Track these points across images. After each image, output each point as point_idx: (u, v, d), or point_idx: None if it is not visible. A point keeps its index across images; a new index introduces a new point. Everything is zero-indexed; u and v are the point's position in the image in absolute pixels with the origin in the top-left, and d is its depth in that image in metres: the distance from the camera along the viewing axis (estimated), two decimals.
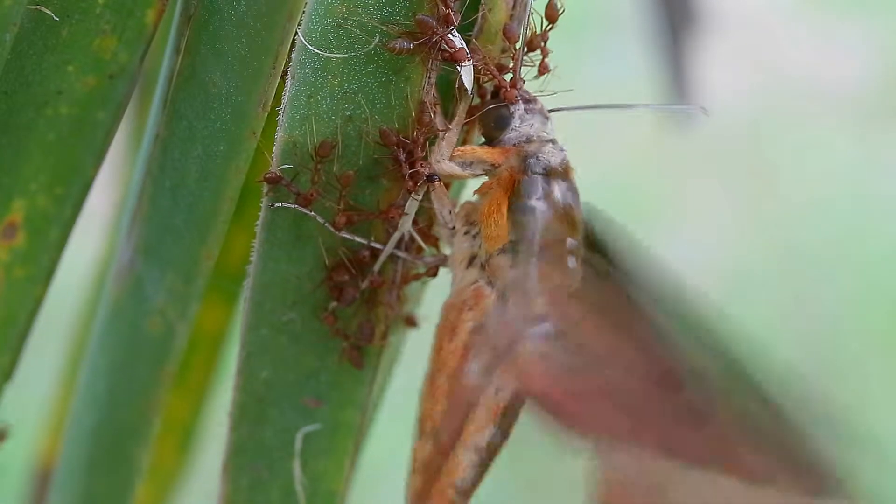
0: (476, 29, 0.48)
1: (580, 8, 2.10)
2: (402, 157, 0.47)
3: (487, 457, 0.50)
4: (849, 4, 2.35)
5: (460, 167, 0.49)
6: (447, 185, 0.50)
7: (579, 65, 2.05)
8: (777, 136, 2.15)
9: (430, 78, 0.47)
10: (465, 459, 0.50)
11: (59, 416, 0.72)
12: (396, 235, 0.49)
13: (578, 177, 0.50)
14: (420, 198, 0.48)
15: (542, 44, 0.49)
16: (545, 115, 0.50)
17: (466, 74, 0.47)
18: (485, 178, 0.50)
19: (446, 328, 0.50)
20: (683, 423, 0.48)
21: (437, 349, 0.50)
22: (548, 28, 0.49)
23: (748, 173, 2.11)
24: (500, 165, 0.49)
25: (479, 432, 0.50)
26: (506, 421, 0.50)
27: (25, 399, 0.73)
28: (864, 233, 2.02)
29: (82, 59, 0.47)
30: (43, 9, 0.46)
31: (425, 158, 0.48)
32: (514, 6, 0.48)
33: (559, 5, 0.49)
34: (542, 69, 0.49)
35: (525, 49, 0.49)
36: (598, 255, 0.50)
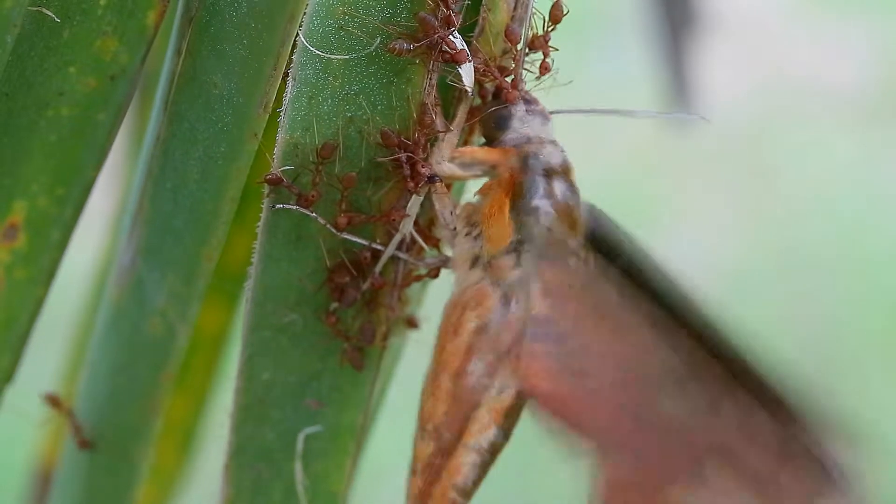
0: (477, 30, 0.48)
1: (581, 7, 2.09)
2: (404, 158, 0.47)
3: (489, 457, 0.50)
4: (849, 5, 2.35)
5: (461, 168, 0.49)
6: (448, 187, 0.50)
7: (580, 64, 2.05)
8: (777, 136, 2.14)
9: (430, 79, 0.47)
10: (466, 460, 0.50)
11: (61, 417, 0.72)
12: (398, 237, 0.49)
13: (579, 177, 0.50)
14: (421, 199, 0.48)
15: (545, 44, 0.49)
16: (546, 117, 0.50)
17: (467, 75, 0.47)
18: (486, 179, 0.50)
19: (449, 327, 0.50)
20: (685, 421, 0.48)
21: (440, 348, 0.50)
22: (549, 29, 0.49)
23: (748, 173, 2.11)
24: (500, 166, 0.49)
25: (481, 433, 0.50)
26: (508, 422, 0.50)
27: (26, 400, 0.73)
28: (865, 233, 2.02)
29: (83, 61, 0.47)
30: (44, 10, 0.46)
31: (426, 160, 0.48)
32: (515, 7, 0.48)
33: (564, 7, 0.49)
34: (543, 69, 0.49)
35: (526, 50, 0.49)
36: (597, 254, 0.51)
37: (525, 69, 0.49)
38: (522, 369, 0.49)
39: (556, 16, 0.49)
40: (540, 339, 0.50)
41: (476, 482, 0.50)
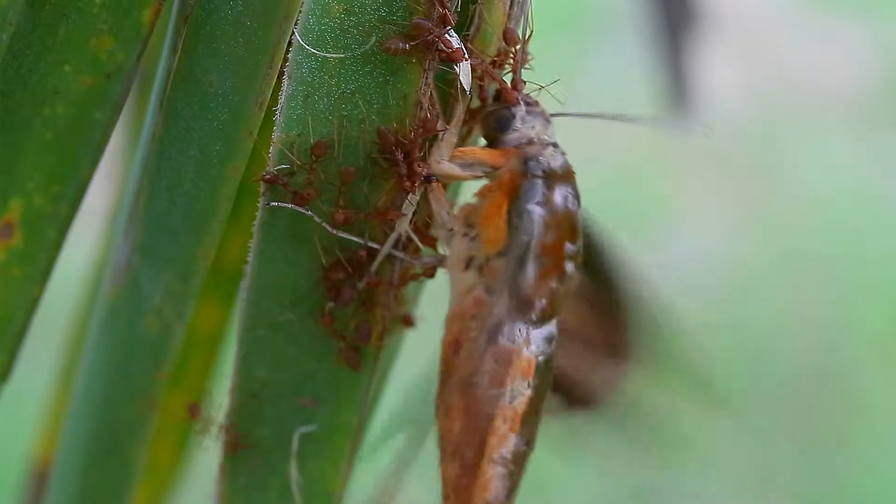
0: (473, 29, 0.48)
1: (581, 7, 2.10)
2: (400, 157, 0.47)
3: (516, 468, 0.50)
4: (849, 5, 2.35)
5: (460, 168, 0.49)
6: (445, 186, 0.50)
7: (579, 64, 2.05)
8: (777, 136, 2.15)
9: (427, 78, 0.47)
10: (493, 474, 0.49)
11: (56, 415, 0.72)
12: (394, 235, 0.49)
13: (578, 177, 0.50)
14: (418, 198, 0.48)
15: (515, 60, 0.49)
16: (547, 119, 0.49)
17: (464, 74, 0.47)
18: (484, 181, 0.49)
19: (450, 341, 0.49)
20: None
21: (444, 365, 0.49)
22: (528, 36, 0.49)
23: (748, 173, 2.11)
24: (500, 167, 0.49)
25: (501, 444, 0.49)
26: (526, 428, 0.49)
27: (22, 399, 0.73)
28: (865, 233, 2.02)
29: (79, 59, 0.47)
30: None
31: (423, 159, 0.48)
32: (510, 6, 0.48)
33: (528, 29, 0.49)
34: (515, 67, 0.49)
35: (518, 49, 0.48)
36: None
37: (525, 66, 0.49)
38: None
39: (511, 39, 0.48)
40: (541, 342, 0.50)
41: (509, 495, 0.50)
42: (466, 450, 0.49)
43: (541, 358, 0.50)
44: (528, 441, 0.50)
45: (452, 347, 0.49)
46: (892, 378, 1.82)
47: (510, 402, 0.49)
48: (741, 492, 1.69)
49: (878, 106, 2.19)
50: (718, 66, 1.46)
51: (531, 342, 0.49)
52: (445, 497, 0.50)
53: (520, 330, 0.49)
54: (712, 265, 1.94)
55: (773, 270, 1.97)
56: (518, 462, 0.50)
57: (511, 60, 0.49)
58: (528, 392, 0.49)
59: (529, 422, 0.50)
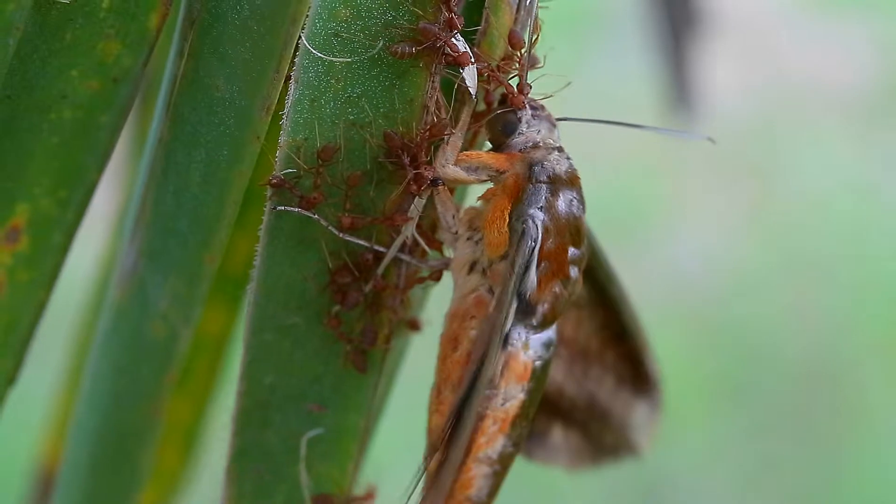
0: (479, 33, 0.48)
1: (581, 8, 2.10)
2: (406, 160, 0.47)
3: (501, 468, 0.50)
4: (849, 5, 2.35)
5: (465, 172, 0.49)
6: (452, 190, 0.50)
7: (581, 64, 2.05)
8: (778, 136, 2.15)
9: (433, 82, 0.47)
10: (477, 472, 0.49)
11: (63, 419, 0.72)
12: (400, 239, 0.49)
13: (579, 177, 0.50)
14: (424, 201, 0.48)
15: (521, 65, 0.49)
16: (552, 123, 0.49)
17: (470, 78, 0.47)
18: (489, 185, 0.49)
19: (449, 338, 0.49)
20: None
21: (441, 360, 0.49)
22: (534, 39, 0.49)
23: (748, 173, 2.11)
24: (505, 171, 0.49)
25: (489, 444, 0.49)
26: (515, 431, 0.50)
27: (29, 402, 0.73)
28: (865, 232, 2.02)
29: (86, 63, 0.47)
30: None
31: (429, 162, 0.48)
32: (517, 10, 0.48)
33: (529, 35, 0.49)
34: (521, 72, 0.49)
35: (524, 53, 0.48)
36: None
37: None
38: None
39: (516, 43, 0.48)
40: (539, 346, 0.50)
41: (491, 494, 0.50)
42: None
43: (538, 363, 0.50)
44: (515, 443, 0.50)
45: (451, 345, 0.49)
46: (892, 378, 1.82)
47: (502, 405, 0.49)
48: (741, 490, 1.69)
49: (878, 106, 2.19)
50: (719, 66, 1.46)
51: (529, 346, 0.49)
52: (426, 489, 0.50)
53: (519, 334, 0.49)
54: (712, 265, 1.94)
55: (773, 270, 1.97)
56: (503, 463, 0.50)
57: (517, 64, 0.49)
58: (522, 396, 0.49)
59: (519, 424, 0.50)
